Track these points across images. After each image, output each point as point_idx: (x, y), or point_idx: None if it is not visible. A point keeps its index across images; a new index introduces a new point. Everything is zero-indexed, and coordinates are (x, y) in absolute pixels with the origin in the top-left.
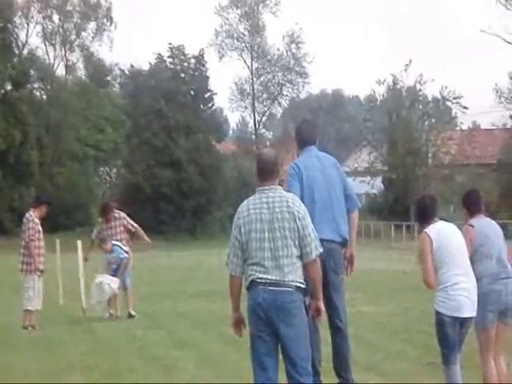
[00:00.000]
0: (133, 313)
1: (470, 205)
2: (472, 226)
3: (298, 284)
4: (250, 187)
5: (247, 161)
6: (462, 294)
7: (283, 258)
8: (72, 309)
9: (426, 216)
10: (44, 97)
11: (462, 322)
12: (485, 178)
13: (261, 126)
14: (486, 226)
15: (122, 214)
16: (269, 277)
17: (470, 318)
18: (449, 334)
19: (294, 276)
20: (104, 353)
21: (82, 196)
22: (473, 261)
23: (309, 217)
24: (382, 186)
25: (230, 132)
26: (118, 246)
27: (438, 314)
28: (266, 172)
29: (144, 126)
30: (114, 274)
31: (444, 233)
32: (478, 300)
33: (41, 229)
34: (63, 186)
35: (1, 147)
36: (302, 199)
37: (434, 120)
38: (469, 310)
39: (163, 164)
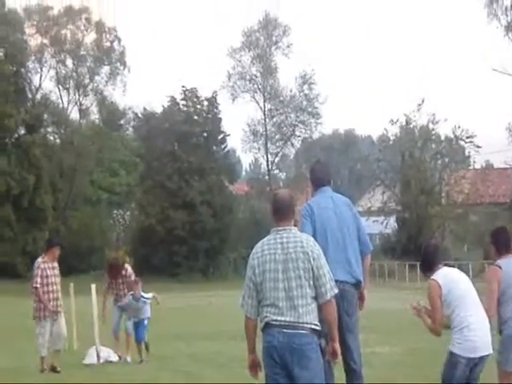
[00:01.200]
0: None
1: (499, 243)
2: (499, 267)
3: (313, 326)
4: (263, 228)
5: (260, 202)
6: (476, 335)
7: (298, 298)
8: (88, 352)
9: (430, 264)
10: (57, 141)
11: (477, 362)
12: (498, 217)
13: (274, 167)
14: None
15: (129, 271)
16: (283, 318)
17: (486, 356)
18: (458, 375)
19: (309, 317)
20: None
21: (95, 239)
22: (500, 302)
23: (324, 257)
24: (396, 225)
25: (243, 173)
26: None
27: (453, 355)
28: (281, 212)
29: (157, 168)
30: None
31: (450, 277)
32: (504, 342)
33: (52, 273)
34: (77, 230)
35: (15, 191)
36: (314, 240)
37: (447, 159)
38: (484, 349)
39: (176, 206)
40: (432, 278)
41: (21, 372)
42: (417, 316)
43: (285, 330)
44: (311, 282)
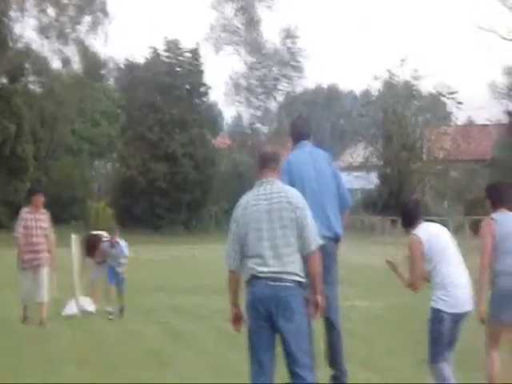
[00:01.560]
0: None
1: (494, 197)
2: (494, 220)
3: (298, 278)
4: (246, 181)
5: (242, 155)
6: (459, 291)
7: (282, 247)
8: (67, 303)
9: (411, 220)
10: (39, 90)
11: (460, 318)
12: (478, 174)
13: (256, 121)
14: (509, 221)
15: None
16: (269, 269)
17: (469, 311)
18: (445, 331)
19: (295, 268)
20: (99, 347)
21: (77, 189)
22: (493, 256)
23: (308, 209)
24: (378, 180)
25: (225, 127)
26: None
27: (437, 311)
28: (266, 164)
29: (139, 119)
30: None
31: (431, 232)
32: (495, 296)
33: (35, 224)
34: (58, 180)
35: None
36: None
37: (428, 115)
38: (467, 304)
39: (158, 158)
40: (413, 232)
41: (1, 323)
42: (392, 270)
43: (270, 283)
44: (295, 233)
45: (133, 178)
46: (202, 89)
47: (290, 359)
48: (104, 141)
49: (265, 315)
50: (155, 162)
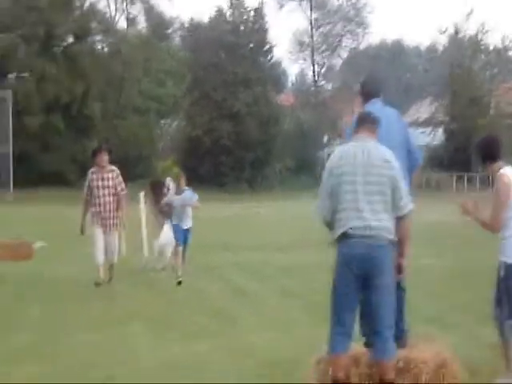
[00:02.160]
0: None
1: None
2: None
3: (392, 237)
4: (309, 139)
5: (306, 112)
6: None
7: (378, 203)
8: (135, 260)
9: (492, 155)
10: (105, 50)
11: None
12: None
13: (320, 78)
14: None
15: (171, 186)
16: (364, 223)
17: None
18: None
19: (388, 225)
20: (165, 304)
21: (143, 148)
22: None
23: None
24: (443, 136)
25: (289, 84)
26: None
27: (510, 266)
28: (365, 124)
29: (204, 79)
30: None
31: None
32: None
33: (100, 184)
34: (125, 139)
35: (64, 100)
36: None
37: (495, 70)
38: None
39: (223, 117)
40: (501, 172)
41: (78, 281)
42: (466, 215)
43: (365, 241)
44: (390, 192)
45: (198, 138)
46: (266, 47)
47: (377, 318)
48: (170, 101)
49: (356, 274)
50: (220, 122)
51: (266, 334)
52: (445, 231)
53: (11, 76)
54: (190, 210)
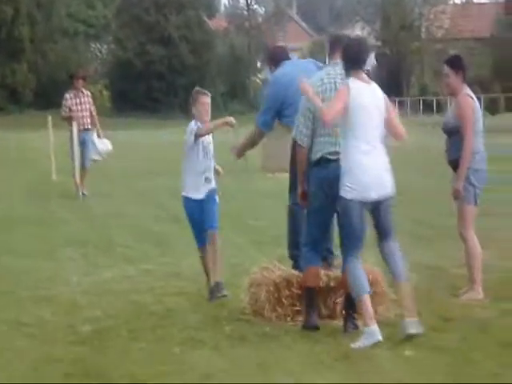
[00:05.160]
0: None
1: (464, 69)
2: (472, 98)
3: None
4: (242, 64)
5: (239, 37)
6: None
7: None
8: (65, 185)
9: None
10: None
11: None
12: (478, 52)
13: (253, 2)
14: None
15: (90, 100)
16: (338, 149)
17: None
18: None
19: None
20: (97, 229)
21: (71, 72)
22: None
23: None
24: (375, 61)
25: (222, 8)
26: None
27: None
28: (339, 45)
29: (134, 1)
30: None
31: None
32: (470, 176)
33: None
34: (55, 63)
35: None
36: None
37: None
38: None
39: (154, 40)
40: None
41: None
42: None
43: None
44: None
45: (129, 61)
46: None
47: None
48: (100, 23)
49: (330, 195)
50: (152, 45)
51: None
52: None
53: None
54: None
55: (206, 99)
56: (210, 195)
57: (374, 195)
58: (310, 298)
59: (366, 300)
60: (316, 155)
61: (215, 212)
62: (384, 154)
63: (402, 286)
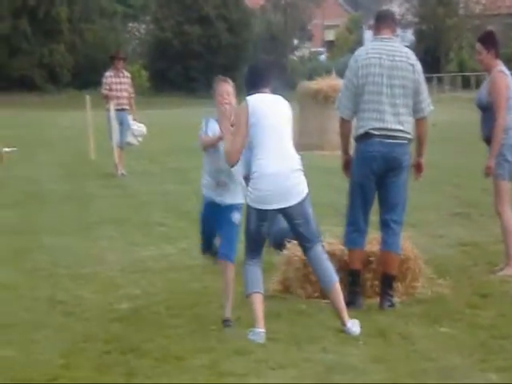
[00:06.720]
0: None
1: (496, 45)
2: (506, 74)
3: (411, 136)
4: (280, 42)
5: (276, 15)
6: None
7: (400, 106)
8: (104, 164)
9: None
10: None
11: None
12: None
13: None
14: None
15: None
16: (385, 125)
17: None
18: None
19: (408, 126)
20: (135, 207)
21: (111, 52)
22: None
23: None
24: (413, 37)
25: None
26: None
27: None
28: (385, 22)
29: None
30: None
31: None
32: (505, 152)
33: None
34: (92, 43)
35: (30, 3)
36: None
37: None
38: None
39: (192, 20)
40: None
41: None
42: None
43: (386, 141)
44: (412, 95)
45: (167, 41)
46: None
47: (388, 208)
48: (138, 3)
49: (376, 172)
50: (189, 25)
51: None
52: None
53: None
54: None
55: (226, 87)
56: (228, 213)
57: (274, 205)
58: (354, 279)
59: (255, 299)
60: (359, 130)
61: (233, 239)
62: (292, 160)
63: (333, 291)
